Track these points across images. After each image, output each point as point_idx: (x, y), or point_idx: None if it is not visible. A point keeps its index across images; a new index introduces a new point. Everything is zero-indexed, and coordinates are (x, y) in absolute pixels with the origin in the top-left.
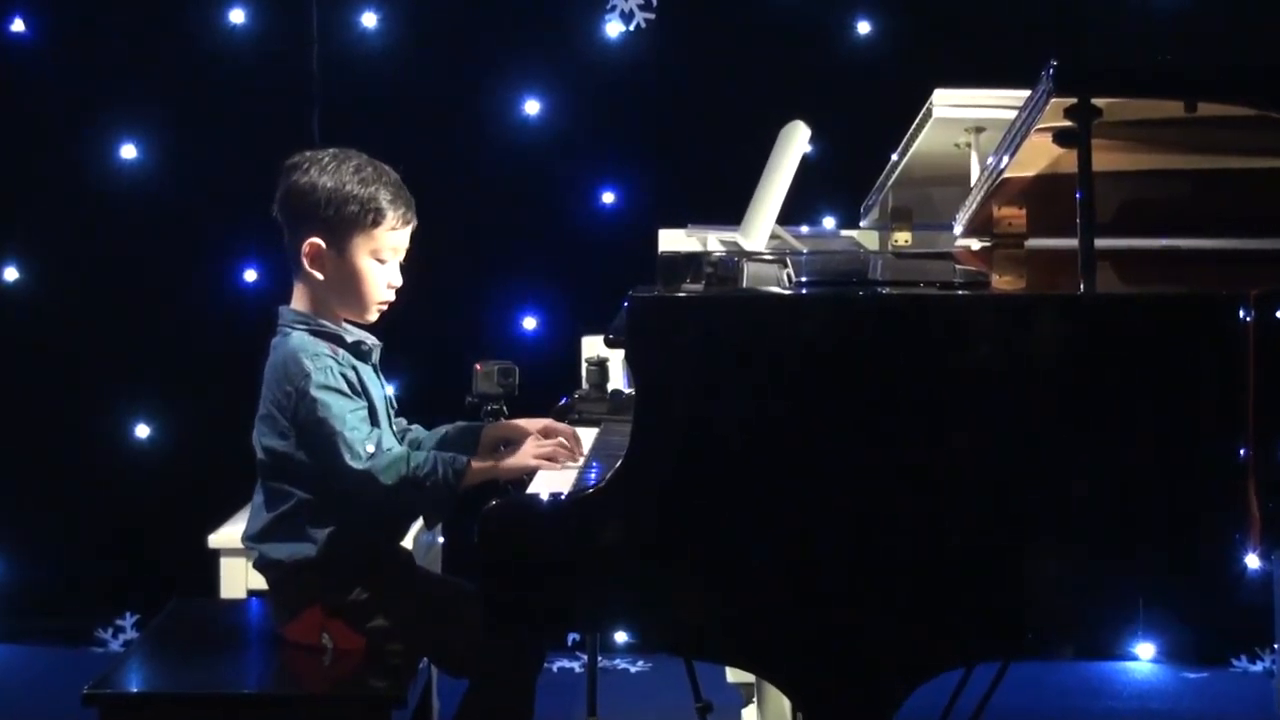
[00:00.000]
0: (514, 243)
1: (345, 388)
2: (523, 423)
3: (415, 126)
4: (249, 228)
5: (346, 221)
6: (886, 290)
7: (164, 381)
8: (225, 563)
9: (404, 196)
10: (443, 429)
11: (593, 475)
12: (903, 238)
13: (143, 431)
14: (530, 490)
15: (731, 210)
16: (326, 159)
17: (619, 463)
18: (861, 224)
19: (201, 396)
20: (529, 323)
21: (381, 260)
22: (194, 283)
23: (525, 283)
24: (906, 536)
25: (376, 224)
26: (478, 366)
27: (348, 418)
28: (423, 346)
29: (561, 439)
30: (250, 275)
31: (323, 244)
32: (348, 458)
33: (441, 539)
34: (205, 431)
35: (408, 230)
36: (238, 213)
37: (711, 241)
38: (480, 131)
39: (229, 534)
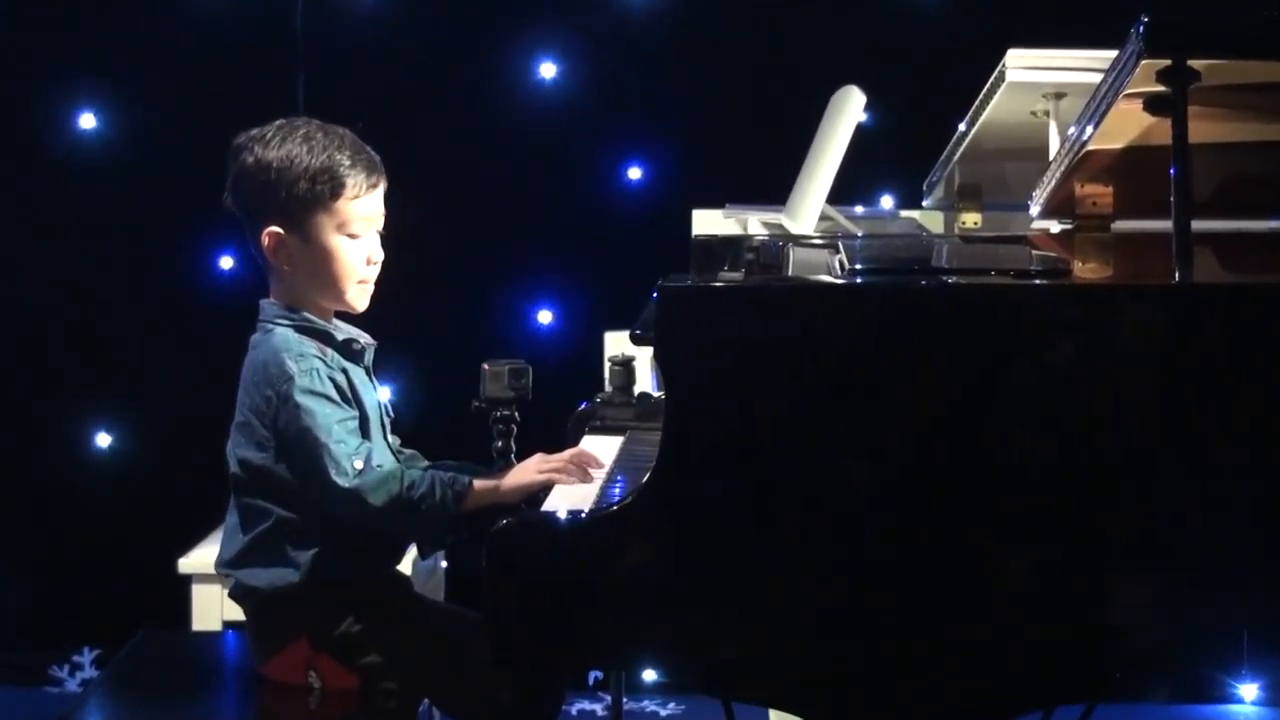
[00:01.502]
0: (527, 225)
1: (333, 393)
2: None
3: (414, 93)
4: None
5: (302, 200)
6: (953, 280)
7: (128, 383)
8: (198, 590)
9: (364, 157)
10: (449, 465)
11: (617, 490)
12: (971, 219)
13: (103, 441)
14: (546, 507)
15: (775, 188)
16: (271, 134)
17: (646, 475)
18: (924, 204)
19: (171, 401)
20: (544, 317)
21: (353, 235)
22: (162, 270)
23: (539, 271)
24: (977, 561)
25: (336, 195)
26: (485, 366)
27: (334, 428)
28: (421, 344)
29: (579, 454)
30: (227, 262)
31: (282, 231)
32: (333, 474)
33: (444, 563)
34: (175, 441)
35: (377, 194)
36: (212, 191)
37: (752, 224)
38: (488, 99)
39: (202, 557)
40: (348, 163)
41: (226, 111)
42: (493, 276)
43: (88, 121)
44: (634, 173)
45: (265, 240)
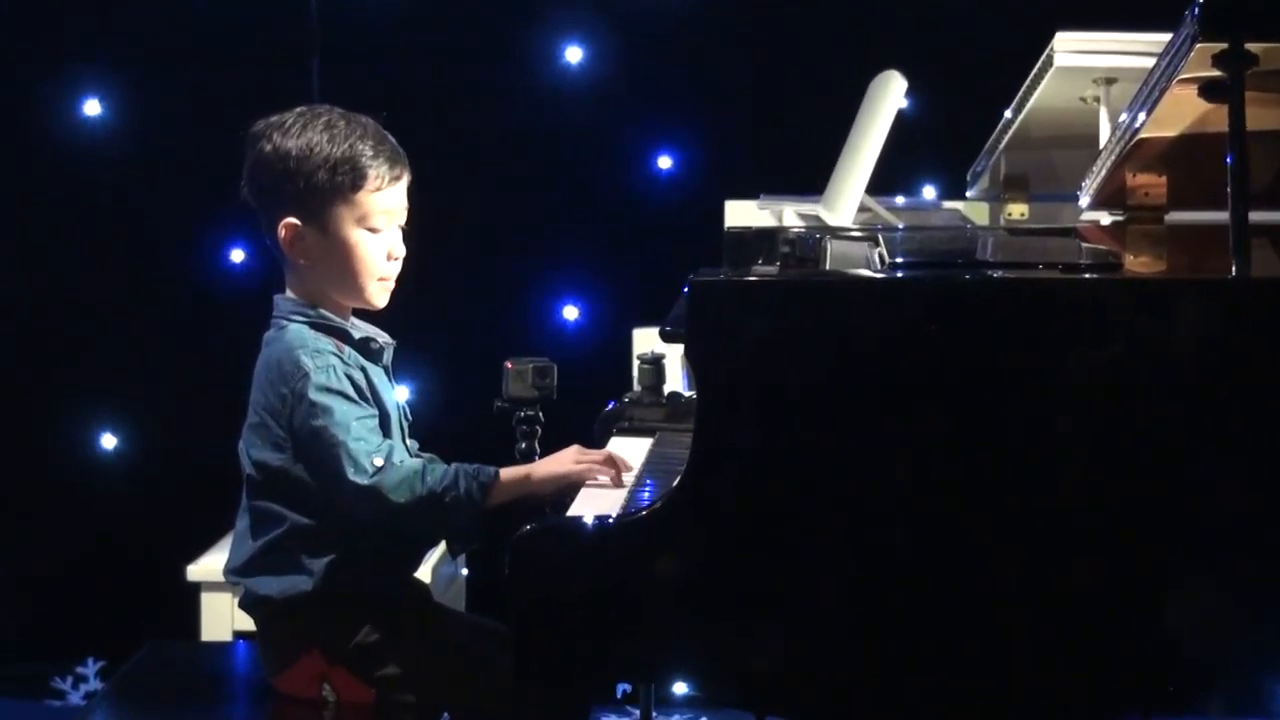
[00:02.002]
0: (551, 217)
1: (350, 390)
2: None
3: (434, 79)
4: (238, 199)
5: (322, 191)
6: (998, 274)
7: (133, 383)
8: (207, 599)
9: (388, 148)
10: None
11: (646, 494)
12: (1018, 210)
13: (108, 442)
14: (571, 512)
15: (812, 178)
16: (291, 121)
17: (677, 479)
18: (968, 194)
19: (178, 401)
20: (570, 312)
21: (374, 229)
22: (169, 264)
23: (565, 265)
24: (1030, 569)
25: (357, 187)
26: (508, 364)
27: (353, 425)
28: (441, 341)
29: (613, 459)
30: (238, 255)
31: (300, 223)
32: (350, 472)
33: (465, 571)
34: (183, 443)
35: (400, 187)
36: (222, 181)
37: (788, 215)
38: (510, 84)
39: (211, 564)
40: (370, 153)
41: (237, 98)
42: (516, 270)
43: (92, 108)
44: (664, 162)
45: (281, 232)
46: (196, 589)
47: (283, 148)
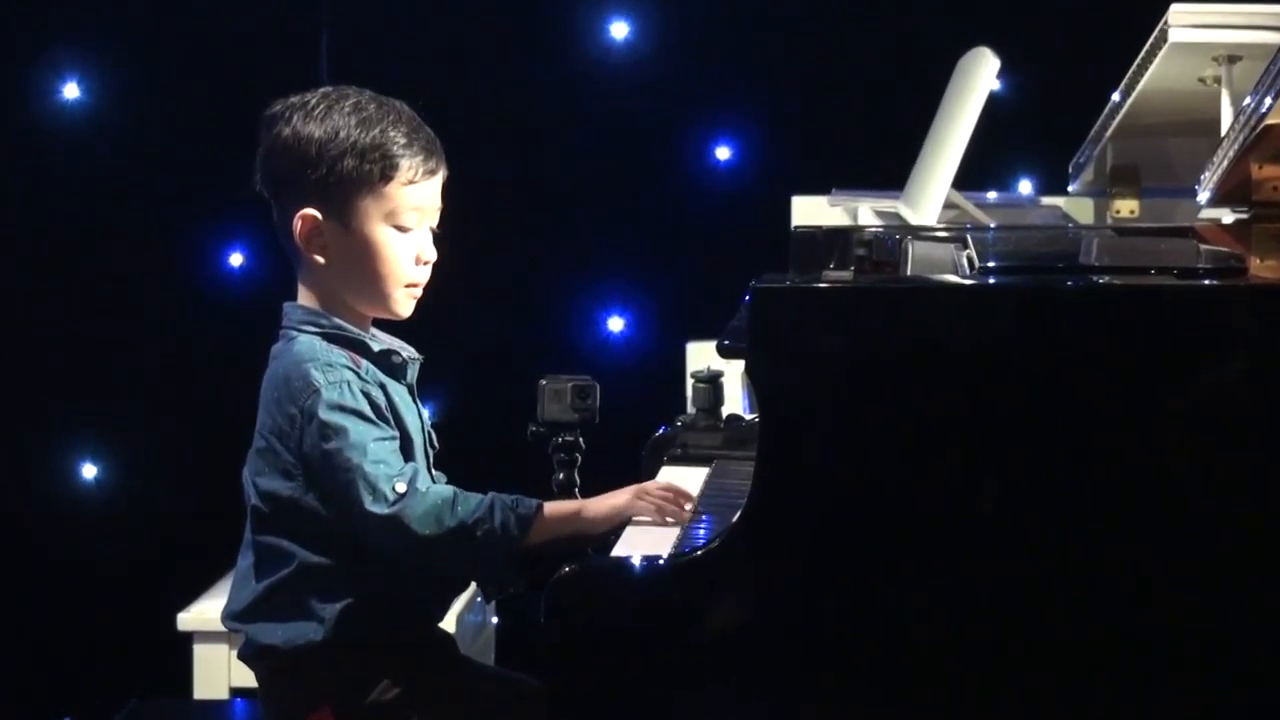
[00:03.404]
0: (593, 215)
1: (367, 409)
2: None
3: (459, 59)
4: (237, 194)
5: (347, 180)
6: (1105, 280)
7: (118, 404)
8: (200, 651)
9: (423, 138)
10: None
11: (702, 531)
12: (1127, 207)
13: (89, 472)
14: (616, 552)
15: (891, 170)
16: (315, 101)
17: (737, 514)
18: (1070, 188)
19: (170, 424)
20: (614, 324)
21: (402, 228)
22: (160, 268)
23: (609, 270)
24: (1156, 610)
25: (387, 178)
26: (543, 383)
27: (370, 447)
28: (467, 356)
29: (680, 493)
30: (237, 259)
31: (319, 215)
32: (368, 501)
33: (495, 619)
34: (175, 472)
35: (435, 183)
36: (222, 175)
37: (864, 213)
38: (547, 64)
39: (206, 611)
40: (403, 140)
41: (237, 81)
42: (552, 276)
43: (71, 91)
44: (722, 152)
45: (297, 224)
46: (189, 639)
47: (304, 132)
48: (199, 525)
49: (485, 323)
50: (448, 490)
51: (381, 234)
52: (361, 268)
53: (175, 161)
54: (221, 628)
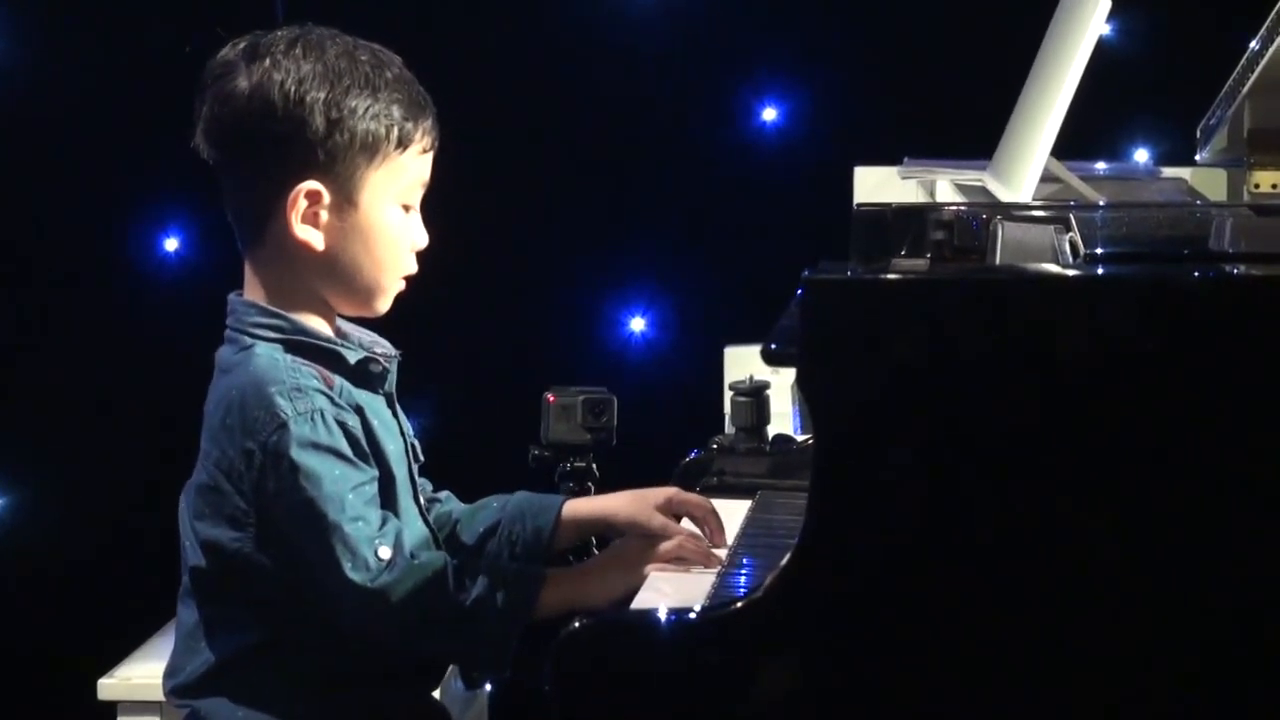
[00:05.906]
0: (613, 195)
1: (344, 446)
2: (635, 495)
3: (445, 4)
4: (171, 167)
5: (355, 147)
6: (1239, 270)
7: (23, 423)
8: None
9: (420, 97)
10: (492, 502)
11: (743, 577)
12: (1269, 180)
13: None
14: (637, 604)
15: (976, 136)
16: (287, 43)
17: (787, 556)
18: (1197, 158)
19: (89, 447)
20: (636, 324)
21: (408, 206)
22: (77, 256)
23: (630, 261)
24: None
25: (404, 144)
26: (550, 397)
27: (348, 499)
28: (458, 365)
29: (694, 529)
30: (172, 244)
31: (325, 191)
32: (347, 567)
33: (488, 685)
34: (94, 505)
35: (431, 155)
36: (153, 144)
37: (942, 188)
38: (557, 15)
39: (133, 675)
40: (405, 100)
41: (176, 34)
42: (562, 269)
43: None
44: (769, 114)
45: (293, 202)
46: (112, 710)
47: (293, 81)
48: (122, 570)
49: (479, 322)
50: (436, 557)
51: (391, 214)
52: (364, 255)
53: (96, 128)
54: (154, 696)
